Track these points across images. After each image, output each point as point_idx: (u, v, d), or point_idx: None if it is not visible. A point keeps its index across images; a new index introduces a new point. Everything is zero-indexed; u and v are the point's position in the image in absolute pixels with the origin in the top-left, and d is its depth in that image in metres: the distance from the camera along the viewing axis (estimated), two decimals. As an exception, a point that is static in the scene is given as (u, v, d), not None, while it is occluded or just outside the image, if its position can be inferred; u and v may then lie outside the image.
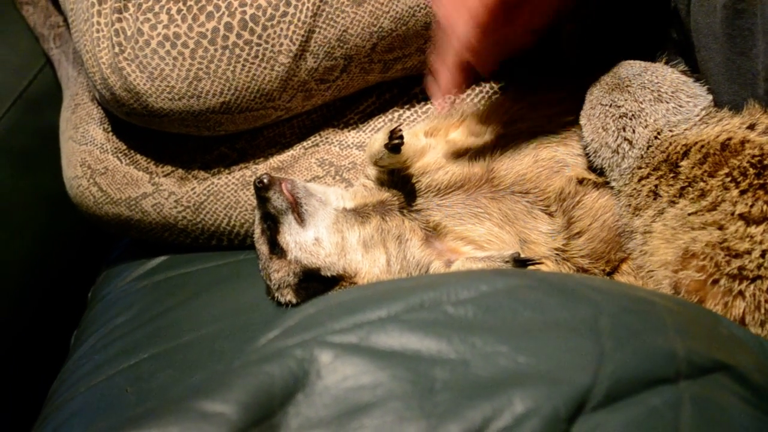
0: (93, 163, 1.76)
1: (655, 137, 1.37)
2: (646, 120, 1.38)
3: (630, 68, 1.43)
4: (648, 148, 1.37)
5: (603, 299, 0.94)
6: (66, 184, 1.84)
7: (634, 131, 1.39)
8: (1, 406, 2.02)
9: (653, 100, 1.39)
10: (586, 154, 1.45)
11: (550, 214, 1.45)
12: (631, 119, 1.39)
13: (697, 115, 1.37)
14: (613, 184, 1.43)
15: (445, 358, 0.85)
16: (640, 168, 1.38)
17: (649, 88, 1.40)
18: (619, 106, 1.40)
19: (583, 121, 1.45)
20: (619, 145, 1.40)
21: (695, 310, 1.13)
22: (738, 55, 1.33)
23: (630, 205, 1.39)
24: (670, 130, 1.36)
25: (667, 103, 1.38)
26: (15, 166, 2.01)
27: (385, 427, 0.80)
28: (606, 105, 1.41)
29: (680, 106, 1.38)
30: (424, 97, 1.58)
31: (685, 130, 1.36)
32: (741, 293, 1.24)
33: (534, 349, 0.86)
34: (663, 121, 1.37)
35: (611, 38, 1.55)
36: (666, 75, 1.41)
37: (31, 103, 2.07)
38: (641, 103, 1.39)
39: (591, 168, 1.46)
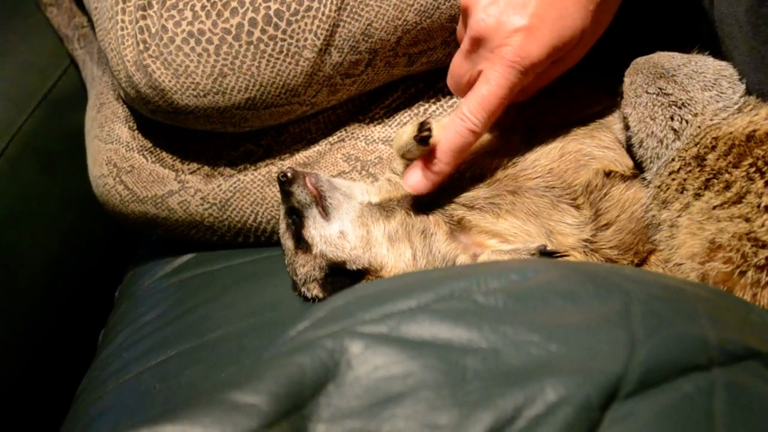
0: (119, 161, 1.76)
1: (698, 126, 1.35)
2: (694, 108, 1.36)
3: (672, 59, 1.41)
4: (689, 138, 1.36)
5: (634, 287, 0.93)
6: (92, 183, 1.85)
7: (681, 120, 1.37)
8: (30, 405, 2.03)
9: (700, 89, 1.37)
10: (630, 145, 1.43)
11: (577, 207, 1.44)
12: (680, 108, 1.38)
13: (736, 103, 1.36)
14: (646, 175, 1.42)
15: (476, 347, 0.85)
16: (672, 161, 1.37)
17: (695, 78, 1.38)
18: (668, 94, 1.38)
19: (627, 110, 1.42)
20: (665, 135, 1.38)
21: (726, 297, 1.13)
22: (762, 44, 1.32)
23: (658, 197, 1.38)
24: (711, 119, 1.35)
25: (710, 90, 1.37)
26: (41, 166, 2.02)
27: (417, 416, 0.80)
28: (653, 93, 1.39)
29: (722, 93, 1.36)
30: (449, 92, 1.57)
31: (723, 119, 1.34)
32: (768, 283, 1.23)
33: (565, 338, 0.86)
34: (710, 109, 1.36)
35: (638, 32, 1.55)
36: (708, 64, 1.39)
37: (56, 104, 2.08)
38: (689, 92, 1.37)
39: (630, 159, 1.45)
